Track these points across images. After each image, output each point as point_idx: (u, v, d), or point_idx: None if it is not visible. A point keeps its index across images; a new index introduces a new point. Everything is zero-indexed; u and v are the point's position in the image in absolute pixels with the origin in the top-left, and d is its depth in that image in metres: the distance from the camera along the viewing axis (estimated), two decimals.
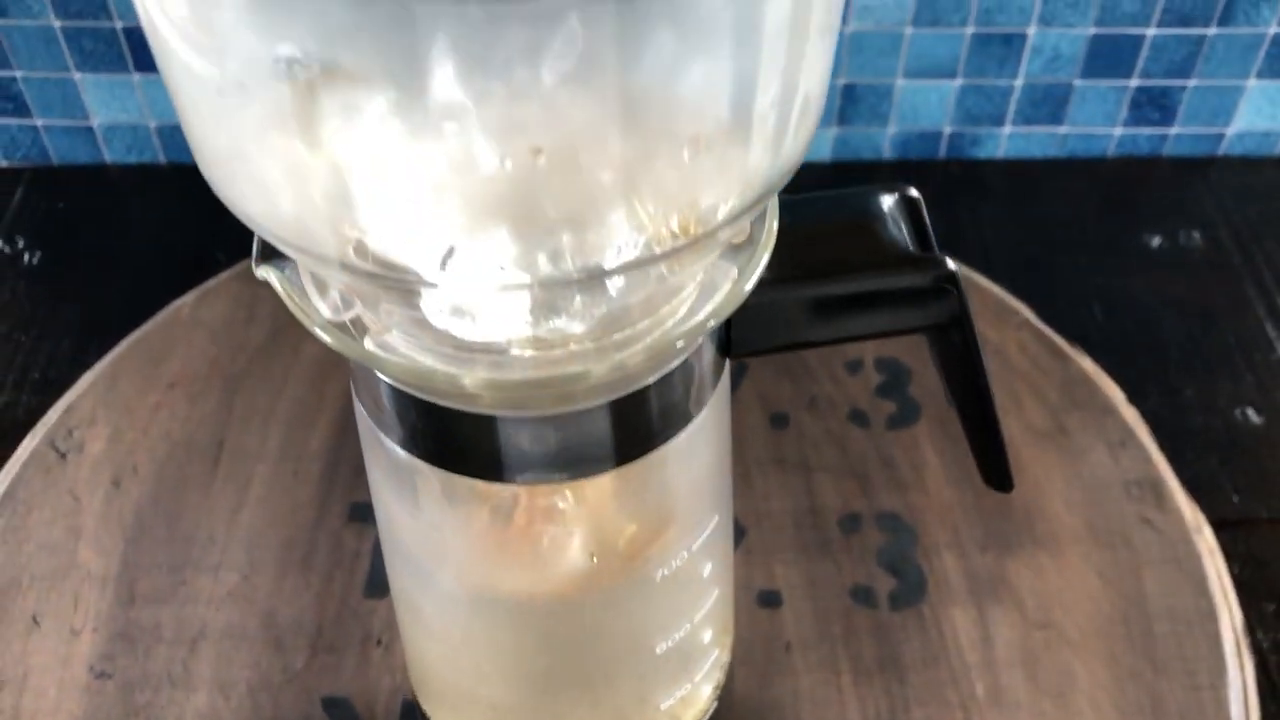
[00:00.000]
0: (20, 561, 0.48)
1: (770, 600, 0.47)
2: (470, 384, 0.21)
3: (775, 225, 0.23)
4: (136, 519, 0.49)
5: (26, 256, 0.63)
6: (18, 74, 0.63)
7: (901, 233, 0.27)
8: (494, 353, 0.21)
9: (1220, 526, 0.50)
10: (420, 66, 0.16)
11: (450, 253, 0.18)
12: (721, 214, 0.19)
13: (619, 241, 0.19)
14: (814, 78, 0.19)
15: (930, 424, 0.52)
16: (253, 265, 0.22)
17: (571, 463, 0.24)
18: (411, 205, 0.18)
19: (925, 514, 0.49)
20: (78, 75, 0.63)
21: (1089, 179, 0.66)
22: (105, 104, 0.65)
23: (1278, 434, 0.54)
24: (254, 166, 0.18)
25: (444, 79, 0.16)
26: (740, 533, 0.49)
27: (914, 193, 0.28)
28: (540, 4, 0.15)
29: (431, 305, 0.21)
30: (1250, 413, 0.55)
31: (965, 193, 0.66)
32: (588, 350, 0.22)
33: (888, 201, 0.27)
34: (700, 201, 0.19)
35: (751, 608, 0.46)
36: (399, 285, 0.19)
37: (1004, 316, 0.56)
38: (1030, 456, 0.51)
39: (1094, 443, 0.51)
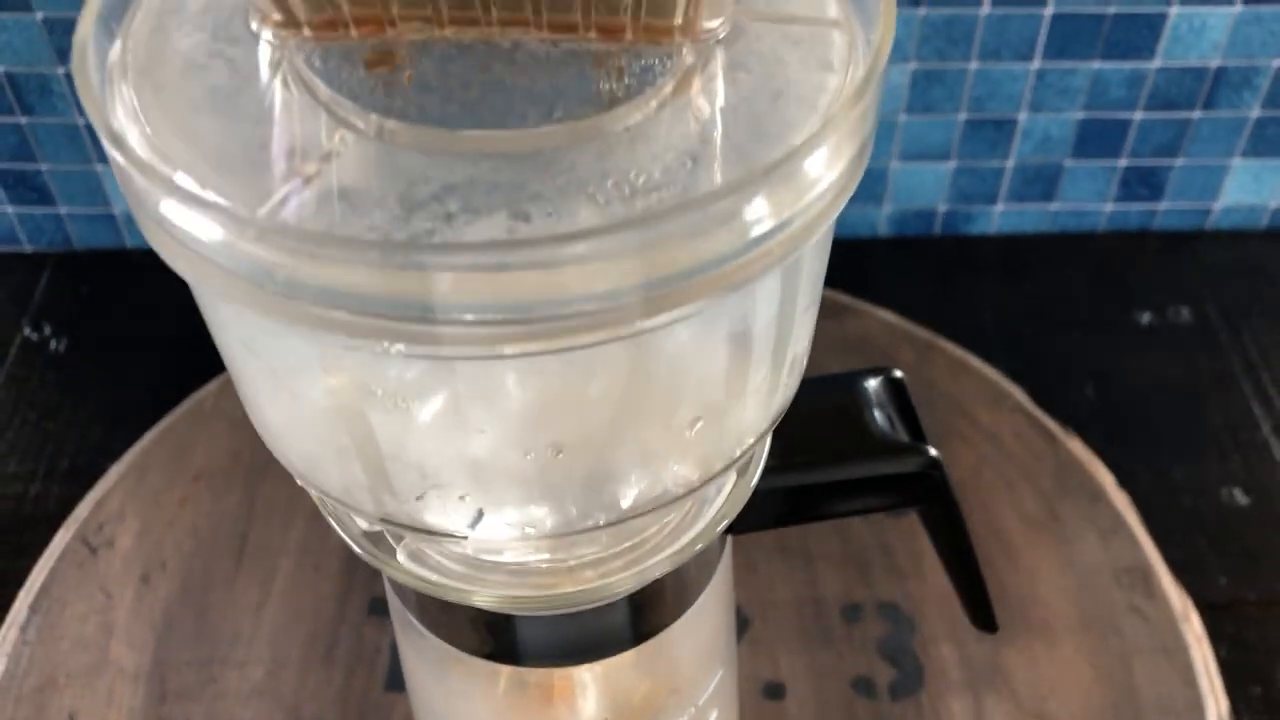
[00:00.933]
0: (56, 659, 0.50)
1: (774, 692, 0.49)
2: (484, 602, 0.23)
3: (771, 432, 0.26)
4: (166, 615, 0.52)
5: (53, 343, 0.65)
6: (43, 167, 0.65)
7: (887, 414, 0.29)
8: (513, 565, 0.24)
9: (1207, 609, 0.52)
10: (456, 398, 0.18)
11: (479, 517, 0.21)
12: (724, 461, 0.22)
13: (635, 493, 0.21)
14: (801, 342, 0.21)
15: None
16: (295, 477, 0.24)
17: (588, 649, 0.26)
18: (444, 488, 0.20)
19: (923, 604, 0.51)
20: (100, 167, 0.66)
21: (1081, 253, 0.68)
22: None
23: (1264, 515, 0.56)
24: (303, 445, 0.20)
25: (475, 405, 0.18)
26: (745, 623, 0.51)
27: (898, 374, 0.30)
28: (565, 356, 0.17)
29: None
30: (1237, 493, 0.57)
31: (960, 268, 0.68)
32: (601, 558, 0.24)
33: (873, 384, 0.29)
34: (705, 457, 0.21)
35: (757, 700, 0.48)
36: (431, 537, 0.21)
37: (999, 400, 0.58)
38: (1024, 544, 0.53)
39: (1085, 529, 0.53)
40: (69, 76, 0.61)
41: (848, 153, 0.18)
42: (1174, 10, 0.60)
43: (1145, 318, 0.65)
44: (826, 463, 0.28)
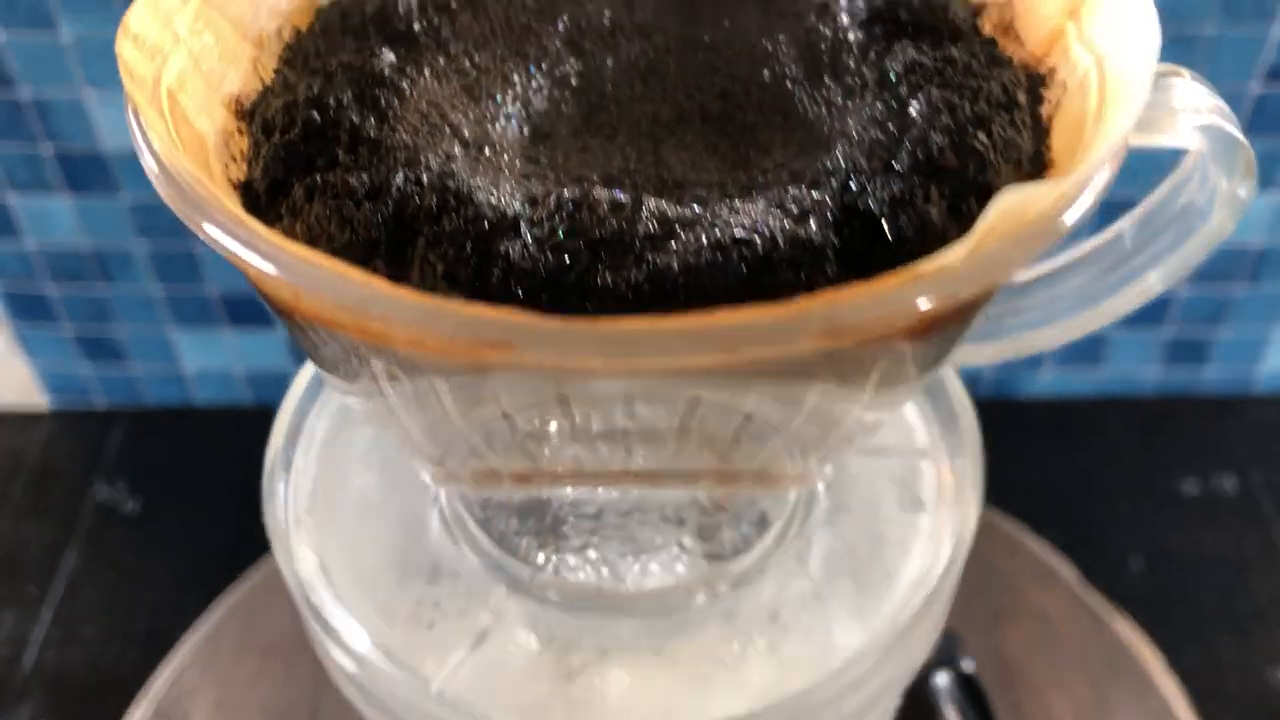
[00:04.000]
0: None
1: None
2: None
3: None
4: None
5: (129, 504, 0.67)
6: (119, 330, 0.68)
7: (960, 708, 0.30)
8: None
9: None
10: None
11: None
12: None
13: None
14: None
15: None
16: None
17: None
18: None
19: None
20: (171, 330, 0.68)
21: (1126, 417, 0.70)
22: (197, 353, 0.69)
23: None
24: None
25: None
26: None
27: (967, 668, 0.31)
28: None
29: None
30: None
31: (1006, 430, 0.69)
32: None
33: (943, 680, 0.31)
34: None
35: None
36: None
37: (1049, 581, 0.60)
38: None
39: (1134, 718, 0.54)
40: (153, 256, 0.64)
41: (942, 611, 0.19)
42: None
43: (1190, 485, 0.66)
44: None
